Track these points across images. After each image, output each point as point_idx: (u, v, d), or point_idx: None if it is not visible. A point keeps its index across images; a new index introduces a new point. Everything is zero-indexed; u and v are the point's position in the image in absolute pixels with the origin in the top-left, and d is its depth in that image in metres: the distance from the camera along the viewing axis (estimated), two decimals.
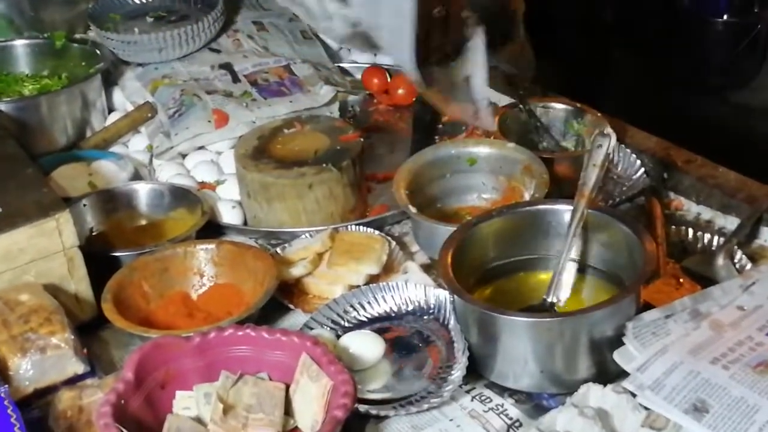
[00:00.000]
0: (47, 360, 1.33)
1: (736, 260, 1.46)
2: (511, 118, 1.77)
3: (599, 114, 1.73)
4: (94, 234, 1.68)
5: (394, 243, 1.59)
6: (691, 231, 1.54)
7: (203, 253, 1.54)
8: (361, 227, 1.63)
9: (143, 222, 1.72)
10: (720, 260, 1.46)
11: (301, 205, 1.65)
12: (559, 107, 1.79)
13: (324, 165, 1.66)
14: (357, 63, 2.20)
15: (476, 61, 1.63)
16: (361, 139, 1.74)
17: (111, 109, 2.07)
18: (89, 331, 1.46)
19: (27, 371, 1.33)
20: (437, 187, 1.70)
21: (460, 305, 1.34)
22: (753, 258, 1.46)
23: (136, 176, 1.83)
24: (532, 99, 1.79)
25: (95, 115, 2.01)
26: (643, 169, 1.70)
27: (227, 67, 2.05)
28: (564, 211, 1.42)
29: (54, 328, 1.35)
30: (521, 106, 1.77)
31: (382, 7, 1.54)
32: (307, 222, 1.66)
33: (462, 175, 1.71)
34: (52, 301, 1.39)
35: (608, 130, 1.41)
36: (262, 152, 1.72)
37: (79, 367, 1.35)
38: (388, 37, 1.56)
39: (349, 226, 1.63)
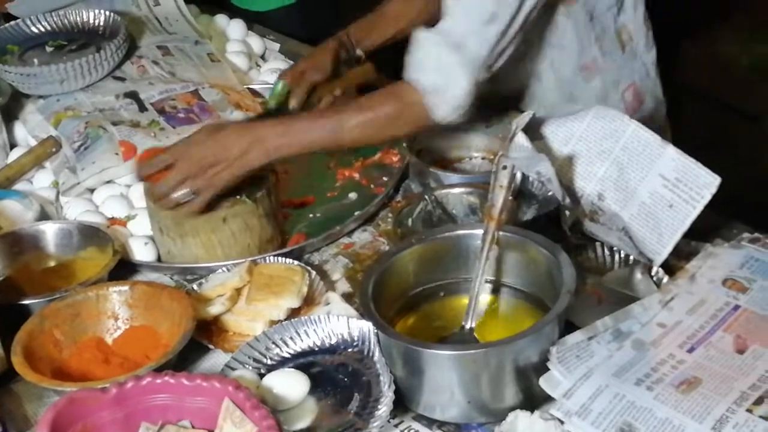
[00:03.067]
0: None
1: (653, 273, 1.47)
2: None
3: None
4: (0, 280, 1.62)
5: (314, 273, 1.56)
6: (606, 247, 1.54)
7: (116, 295, 1.49)
8: (279, 258, 1.60)
9: (52, 263, 1.66)
10: (638, 275, 1.47)
11: (216, 239, 1.61)
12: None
13: (238, 197, 1.62)
14: (268, 84, 2.16)
15: None
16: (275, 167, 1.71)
17: (13, 145, 2.00)
18: (0, 384, 1.41)
19: None
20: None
21: (384, 339, 1.32)
22: (670, 271, 1.47)
23: (43, 215, 1.77)
24: None
25: None
26: None
27: (133, 95, 2.00)
28: (481, 235, 1.41)
29: None
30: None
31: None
32: (224, 255, 1.62)
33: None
34: None
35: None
36: None
37: None
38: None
39: (267, 258, 1.60)
